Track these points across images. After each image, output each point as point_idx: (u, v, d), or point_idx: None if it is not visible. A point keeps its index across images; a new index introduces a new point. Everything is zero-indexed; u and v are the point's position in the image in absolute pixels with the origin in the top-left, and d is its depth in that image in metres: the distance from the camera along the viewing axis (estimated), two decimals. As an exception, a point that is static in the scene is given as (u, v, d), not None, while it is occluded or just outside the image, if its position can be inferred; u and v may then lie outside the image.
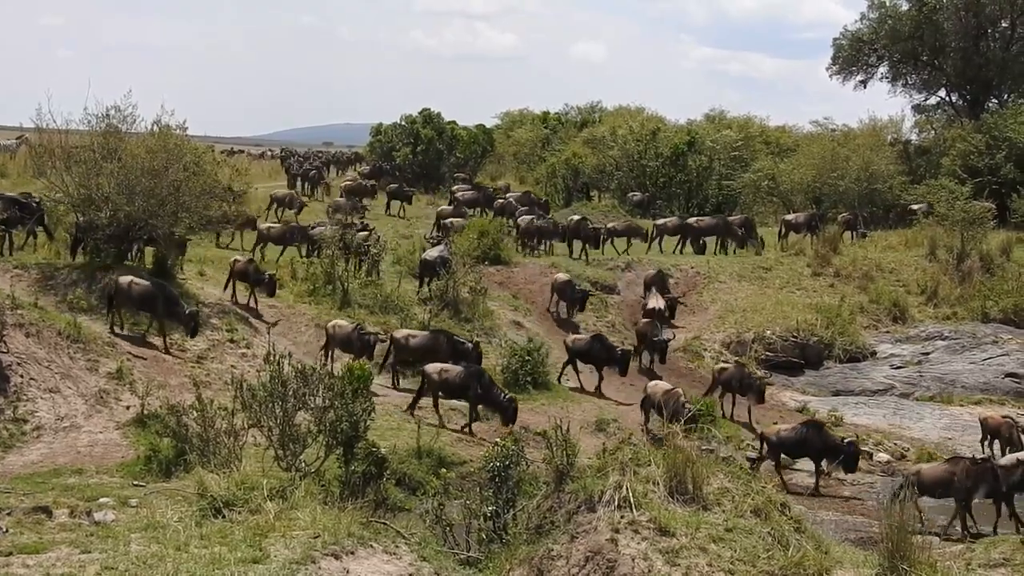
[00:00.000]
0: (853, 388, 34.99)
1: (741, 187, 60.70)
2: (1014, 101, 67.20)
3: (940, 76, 70.51)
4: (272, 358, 18.06)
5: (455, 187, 58.86)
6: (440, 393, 27.02)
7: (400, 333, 29.61)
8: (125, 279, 28.05)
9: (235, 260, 32.90)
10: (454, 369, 27.40)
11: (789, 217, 46.20)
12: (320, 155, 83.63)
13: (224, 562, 11.68)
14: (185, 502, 14.03)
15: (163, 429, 19.91)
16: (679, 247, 46.78)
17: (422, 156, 72.41)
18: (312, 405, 17.48)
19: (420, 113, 74.81)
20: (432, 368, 27.45)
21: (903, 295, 42.05)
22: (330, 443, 17.59)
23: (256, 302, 32.30)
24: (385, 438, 22.50)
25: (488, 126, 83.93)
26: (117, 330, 27.73)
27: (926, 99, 73.33)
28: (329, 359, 28.86)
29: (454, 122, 76.29)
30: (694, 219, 48.80)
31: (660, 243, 46.47)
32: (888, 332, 39.62)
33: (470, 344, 29.51)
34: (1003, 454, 26.95)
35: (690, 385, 32.24)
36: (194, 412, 17.37)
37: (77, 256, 31.36)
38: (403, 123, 74.78)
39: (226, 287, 32.59)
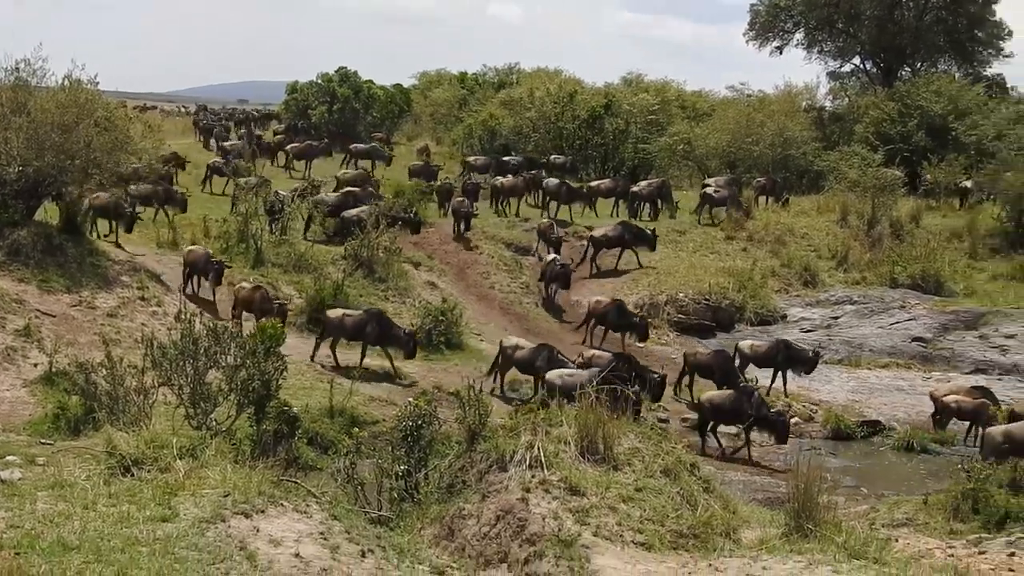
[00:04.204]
0: (763, 351, 35.33)
1: (657, 151, 60.87)
2: (927, 70, 68.22)
3: (855, 44, 71.29)
4: (183, 316, 17.90)
5: (351, 146, 59.07)
6: (341, 337, 28.07)
7: (335, 313, 29.31)
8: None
9: (190, 250, 31.84)
10: (355, 313, 28.44)
11: (710, 190, 46.10)
12: (253, 114, 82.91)
13: (132, 520, 11.58)
14: (93, 460, 13.87)
15: (71, 387, 19.63)
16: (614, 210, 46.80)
17: (338, 115, 71.91)
18: (223, 363, 17.36)
19: (337, 72, 74.23)
20: (334, 313, 28.47)
21: (814, 260, 42.56)
22: (241, 402, 17.49)
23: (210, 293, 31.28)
24: (297, 397, 22.46)
25: (405, 86, 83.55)
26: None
27: (841, 66, 74.28)
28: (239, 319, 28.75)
29: (371, 81, 75.86)
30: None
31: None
32: (799, 296, 40.09)
33: (406, 332, 29.30)
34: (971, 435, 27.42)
35: (599, 344, 32.48)
36: (103, 370, 17.17)
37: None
38: (320, 81, 74.16)
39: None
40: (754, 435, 25.75)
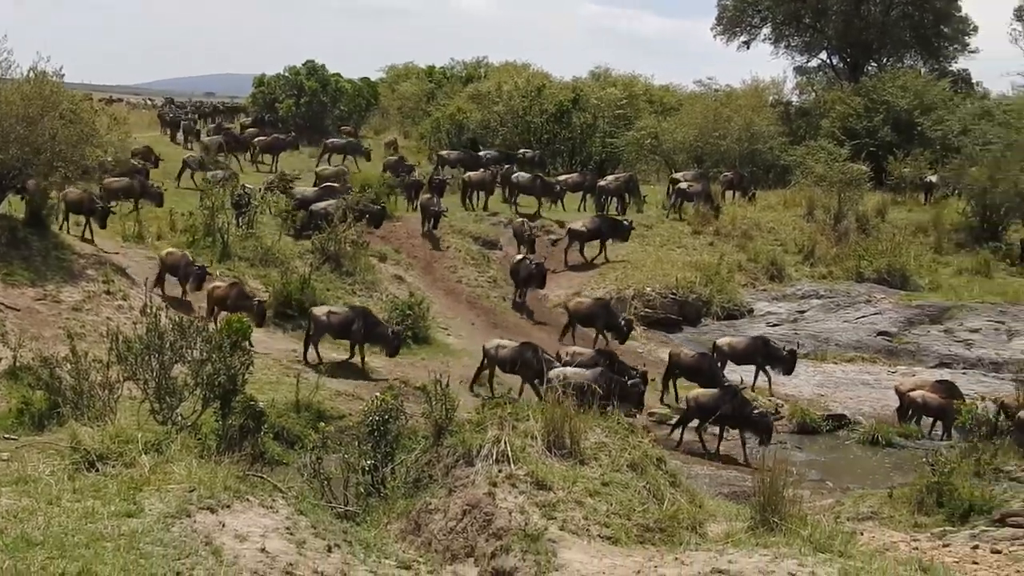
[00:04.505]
0: (730, 345, 35.40)
1: (624, 145, 60.90)
2: (892, 65, 68.51)
3: (822, 39, 71.57)
4: (149, 310, 17.83)
5: (328, 140, 58.77)
6: (328, 334, 28.20)
7: (321, 311, 29.11)
8: None
9: (168, 252, 31.33)
10: (341, 310, 28.56)
11: (683, 185, 46.13)
12: (220, 107, 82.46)
13: (97, 516, 11.53)
14: (58, 456, 13.81)
15: (36, 381, 19.50)
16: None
17: (305, 108, 71.67)
18: (189, 358, 17.29)
19: (304, 65, 73.99)
20: (319, 311, 28.42)
21: (781, 254, 42.74)
22: (207, 396, 17.41)
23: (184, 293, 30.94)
24: (264, 392, 22.39)
25: (373, 80, 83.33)
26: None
27: (807, 61, 74.56)
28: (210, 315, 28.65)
29: (338, 74, 75.60)
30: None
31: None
32: (765, 290, 40.26)
33: (392, 330, 29.22)
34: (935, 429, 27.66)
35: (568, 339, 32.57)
36: (68, 364, 17.08)
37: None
38: (287, 74, 73.89)
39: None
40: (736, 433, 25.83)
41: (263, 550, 11.29)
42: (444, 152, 54.84)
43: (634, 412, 25.76)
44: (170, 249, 31.64)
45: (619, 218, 41.34)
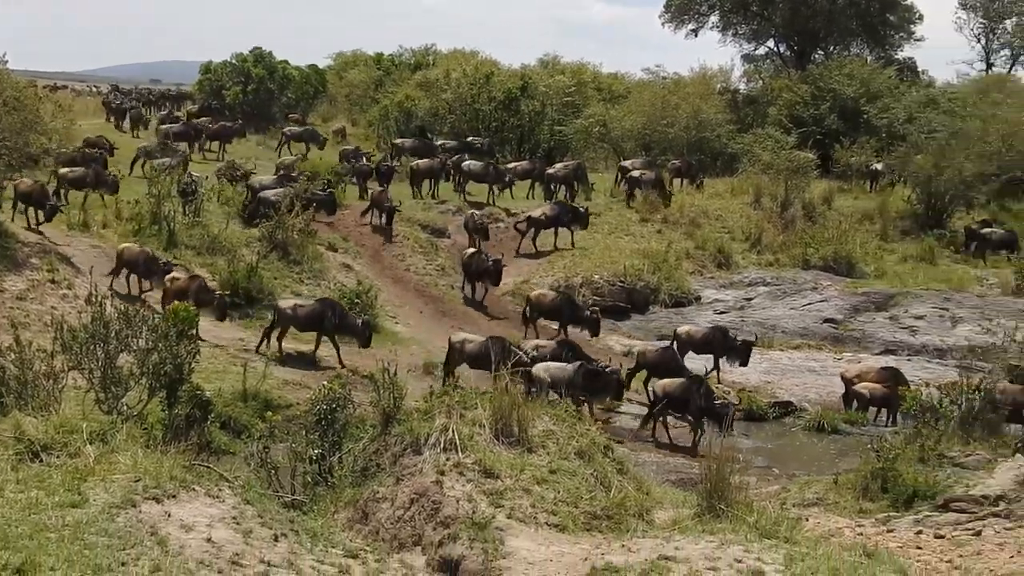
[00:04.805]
0: (678, 332, 35.51)
1: (573, 133, 60.95)
2: (839, 53, 68.89)
3: (769, 27, 71.84)
4: (94, 299, 17.70)
5: (285, 128, 58.47)
6: (292, 327, 28.16)
7: (287, 303, 28.91)
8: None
9: (125, 247, 30.67)
10: (308, 303, 28.49)
11: (636, 173, 46.16)
12: (168, 94, 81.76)
13: (41, 506, 11.44)
14: (1, 446, 13.67)
15: (-22, 371, 19.34)
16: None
17: (253, 96, 71.21)
18: (135, 347, 17.17)
19: (251, 52, 73.40)
20: (286, 304, 28.36)
21: (728, 241, 42.95)
22: (153, 386, 17.31)
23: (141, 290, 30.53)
24: (210, 381, 22.31)
25: (321, 67, 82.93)
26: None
27: (755, 49, 74.84)
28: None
29: (286, 62, 75.15)
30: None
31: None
32: (713, 278, 40.46)
33: (362, 320, 29.16)
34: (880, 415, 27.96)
35: (517, 328, 32.59)
36: (11, 354, 16.90)
37: None
38: (234, 61, 73.31)
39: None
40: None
41: (209, 540, 11.23)
42: (399, 140, 54.54)
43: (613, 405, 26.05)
44: (127, 244, 31.07)
45: (577, 206, 41.39)
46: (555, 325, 33.21)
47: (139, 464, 12.78)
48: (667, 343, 31.02)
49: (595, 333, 32.86)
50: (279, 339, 28.21)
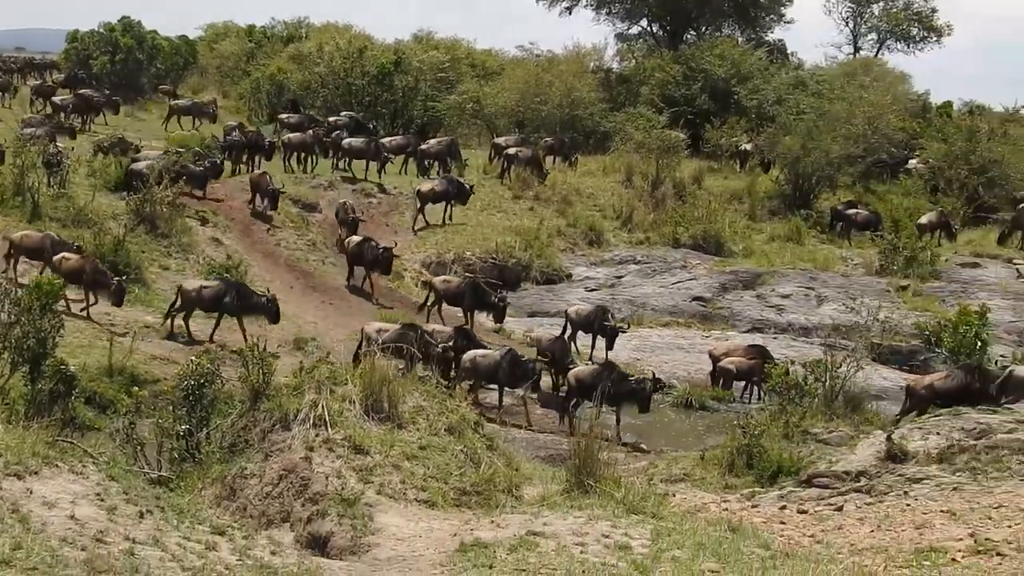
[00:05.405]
0: (549, 310, 35.67)
1: (446, 109, 60.83)
2: (711, 34, 69.50)
3: (642, 6, 72.08)
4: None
5: (173, 101, 57.51)
6: (197, 309, 27.84)
7: (191, 284, 28.47)
8: None
9: (24, 234, 29.49)
10: (212, 284, 28.09)
11: (512, 151, 46.06)
12: (34, 62, 79.69)
13: None
14: None
15: None
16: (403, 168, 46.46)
17: (121, 66, 69.93)
18: (-4, 321, 16.87)
19: (120, 21, 72.03)
20: (190, 285, 28.04)
21: (600, 219, 43.26)
22: (16, 360, 17.03)
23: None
24: (75, 355, 21.95)
25: (191, 38, 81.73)
26: None
27: (628, 28, 74.95)
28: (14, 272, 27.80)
29: (155, 32, 73.93)
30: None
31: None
32: (584, 255, 40.73)
33: (267, 298, 28.74)
34: (746, 392, 28.36)
35: (389, 303, 32.54)
36: None
37: None
38: (102, 30, 71.91)
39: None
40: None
41: (72, 517, 11.06)
42: (284, 115, 53.42)
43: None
44: (26, 232, 29.84)
45: (463, 181, 41.35)
46: (459, 311, 32.86)
47: (0, 440, 12.54)
48: (558, 334, 30.65)
49: (500, 319, 32.61)
50: (185, 320, 27.85)
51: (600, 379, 25.27)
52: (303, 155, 44.22)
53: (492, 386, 26.20)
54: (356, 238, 35.54)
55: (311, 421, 14.39)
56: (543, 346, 28.99)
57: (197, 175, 37.95)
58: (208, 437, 15.51)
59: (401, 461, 14.02)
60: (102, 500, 11.75)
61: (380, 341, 26.06)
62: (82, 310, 27.23)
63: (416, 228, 39.94)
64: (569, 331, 30.81)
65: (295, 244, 37.46)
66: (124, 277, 28.64)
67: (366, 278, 34.79)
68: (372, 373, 15.17)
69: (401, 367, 20.08)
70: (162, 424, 15.72)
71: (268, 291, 29.34)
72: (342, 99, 60.63)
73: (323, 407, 14.51)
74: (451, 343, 26.26)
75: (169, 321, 27.68)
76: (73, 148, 38.37)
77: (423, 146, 46.53)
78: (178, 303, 27.93)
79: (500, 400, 25.52)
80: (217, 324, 27.92)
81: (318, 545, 12.78)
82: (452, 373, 25.58)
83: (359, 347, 26.67)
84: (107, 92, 58.12)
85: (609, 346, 30.58)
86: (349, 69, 61.62)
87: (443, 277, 34.00)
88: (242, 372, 16.10)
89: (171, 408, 16.21)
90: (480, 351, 25.60)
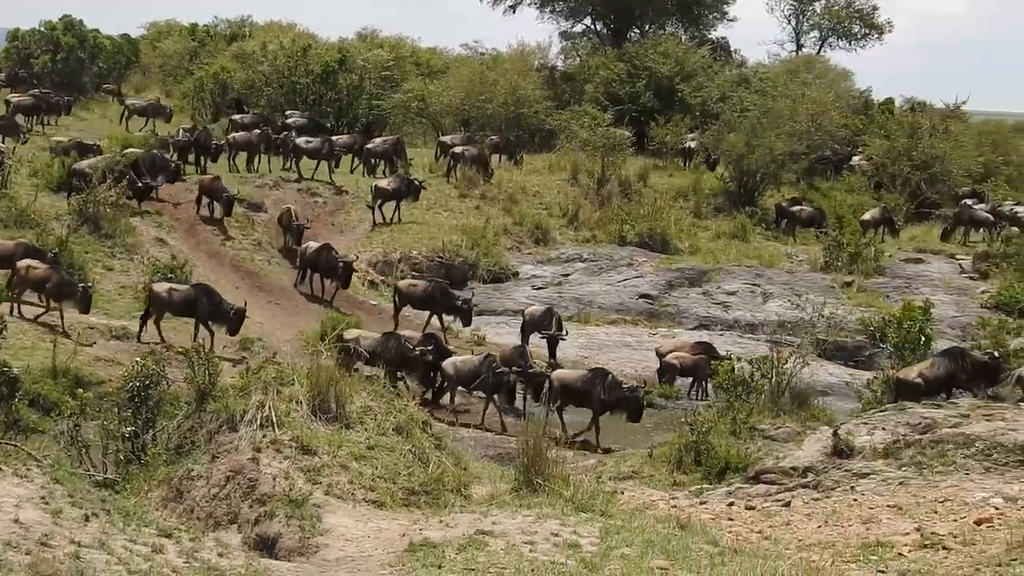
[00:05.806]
0: (496, 308, 35.74)
1: (391, 107, 60.64)
2: (655, 32, 69.69)
3: (586, 4, 72.21)
4: None
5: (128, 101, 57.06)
6: (167, 312, 27.77)
7: (161, 287, 28.25)
8: None
9: None
10: (183, 288, 27.98)
11: (458, 149, 45.96)
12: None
13: None
14: None
15: None
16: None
17: (63, 65, 69.32)
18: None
19: (61, 19, 71.45)
20: (161, 288, 27.84)
21: (546, 218, 43.33)
22: (-43, 363, 16.84)
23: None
24: (19, 357, 21.82)
25: (134, 36, 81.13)
26: None
27: (572, 26, 74.99)
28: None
29: (97, 30, 73.33)
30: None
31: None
32: (531, 253, 40.79)
33: (233, 308, 28.47)
34: (694, 389, 28.43)
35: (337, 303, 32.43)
36: None
37: None
38: (42, 29, 71.27)
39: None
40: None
41: (16, 520, 10.93)
42: (237, 116, 52.73)
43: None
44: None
45: (414, 179, 41.46)
46: (424, 315, 32.78)
47: (-58, 444, 12.42)
48: (519, 343, 30.35)
49: (467, 323, 32.40)
50: (156, 324, 27.73)
51: (591, 385, 25.08)
52: (249, 155, 43.96)
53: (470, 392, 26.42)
54: (315, 244, 34.94)
55: (258, 422, 14.30)
56: (506, 356, 28.22)
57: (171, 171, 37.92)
58: (154, 439, 15.41)
59: (349, 461, 13.96)
60: (47, 503, 11.62)
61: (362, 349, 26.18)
62: (37, 317, 27.02)
63: (375, 223, 39.86)
64: (525, 333, 30.80)
65: (240, 244, 37.26)
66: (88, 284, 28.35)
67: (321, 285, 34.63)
68: (319, 373, 15.11)
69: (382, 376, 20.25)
70: (107, 426, 15.61)
71: (245, 304, 29.02)
72: (286, 98, 60.30)
73: (270, 408, 14.43)
74: (430, 348, 26.29)
75: (146, 327, 27.58)
76: (15, 149, 37.95)
77: (369, 145, 46.44)
78: (150, 307, 27.85)
79: (485, 407, 25.86)
80: (196, 331, 27.71)
81: (266, 547, 12.70)
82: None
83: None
84: (47, 91, 57.51)
85: (551, 352, 30.60)
86: (293, 68, 61.26)
87: (408, 280, 33.70)
88: (188, 373, 15.99)
89: (116, 410, 16.10)
90: (460, 357, 25.59)
